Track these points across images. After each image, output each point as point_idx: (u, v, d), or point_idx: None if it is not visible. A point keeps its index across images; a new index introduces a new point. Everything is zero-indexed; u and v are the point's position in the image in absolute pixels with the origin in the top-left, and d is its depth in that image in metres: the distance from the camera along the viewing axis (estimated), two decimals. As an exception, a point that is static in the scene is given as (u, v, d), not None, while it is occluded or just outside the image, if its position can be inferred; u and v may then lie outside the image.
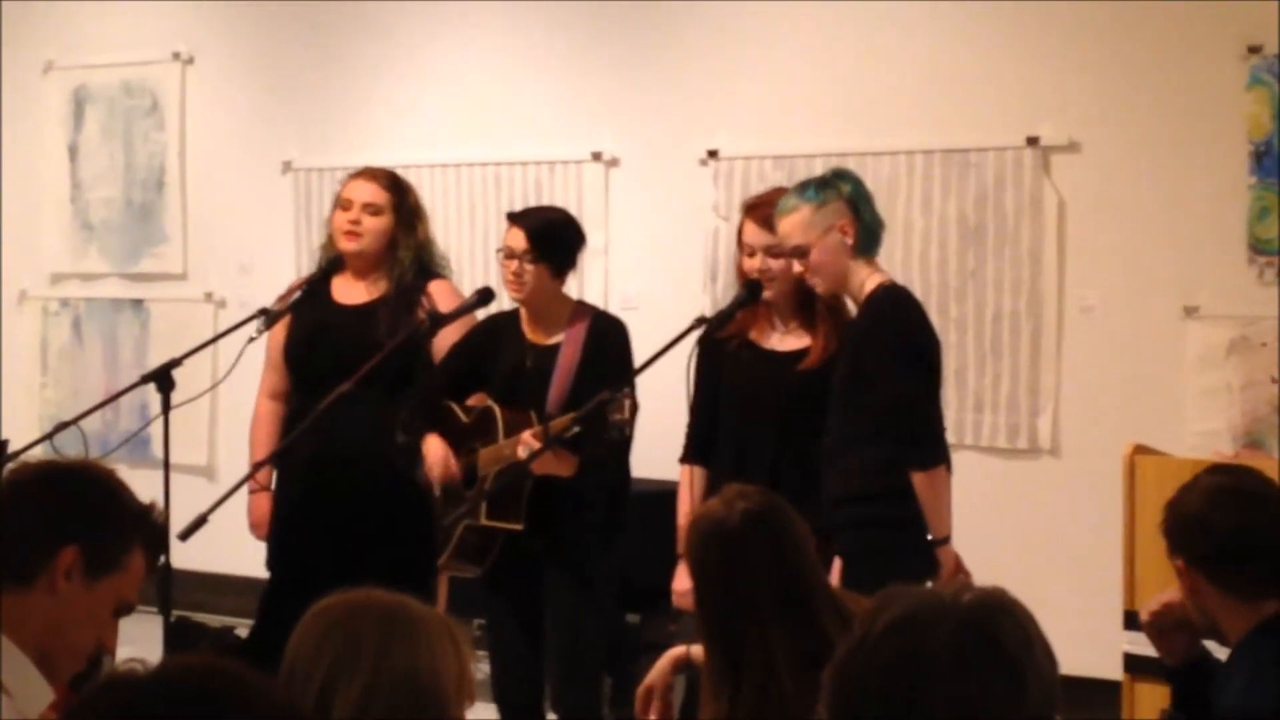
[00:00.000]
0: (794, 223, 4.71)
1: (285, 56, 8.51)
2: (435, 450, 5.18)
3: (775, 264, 4.88)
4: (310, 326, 5.57)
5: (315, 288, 5.60)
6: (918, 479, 4.61)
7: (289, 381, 5.64)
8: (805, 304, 4.95)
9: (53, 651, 2.61)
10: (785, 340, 4.99)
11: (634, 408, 4.59)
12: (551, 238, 5.16)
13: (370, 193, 5.55)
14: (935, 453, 4.67)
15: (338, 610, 2.38)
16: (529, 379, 5.14)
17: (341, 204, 5.59)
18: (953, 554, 4.70)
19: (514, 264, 5.13)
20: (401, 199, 5.59)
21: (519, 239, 5.14)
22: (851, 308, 4.89)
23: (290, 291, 5.66)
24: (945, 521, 4.66)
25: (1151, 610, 3.43)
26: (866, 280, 4.70)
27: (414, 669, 2.31)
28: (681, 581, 5.01)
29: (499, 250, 5.23)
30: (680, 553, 5.06)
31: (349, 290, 5.59)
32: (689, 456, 5.10)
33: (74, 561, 2.60)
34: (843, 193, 4.72)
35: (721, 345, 5.00)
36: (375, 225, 5.53)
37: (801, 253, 4.69)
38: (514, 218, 5.23)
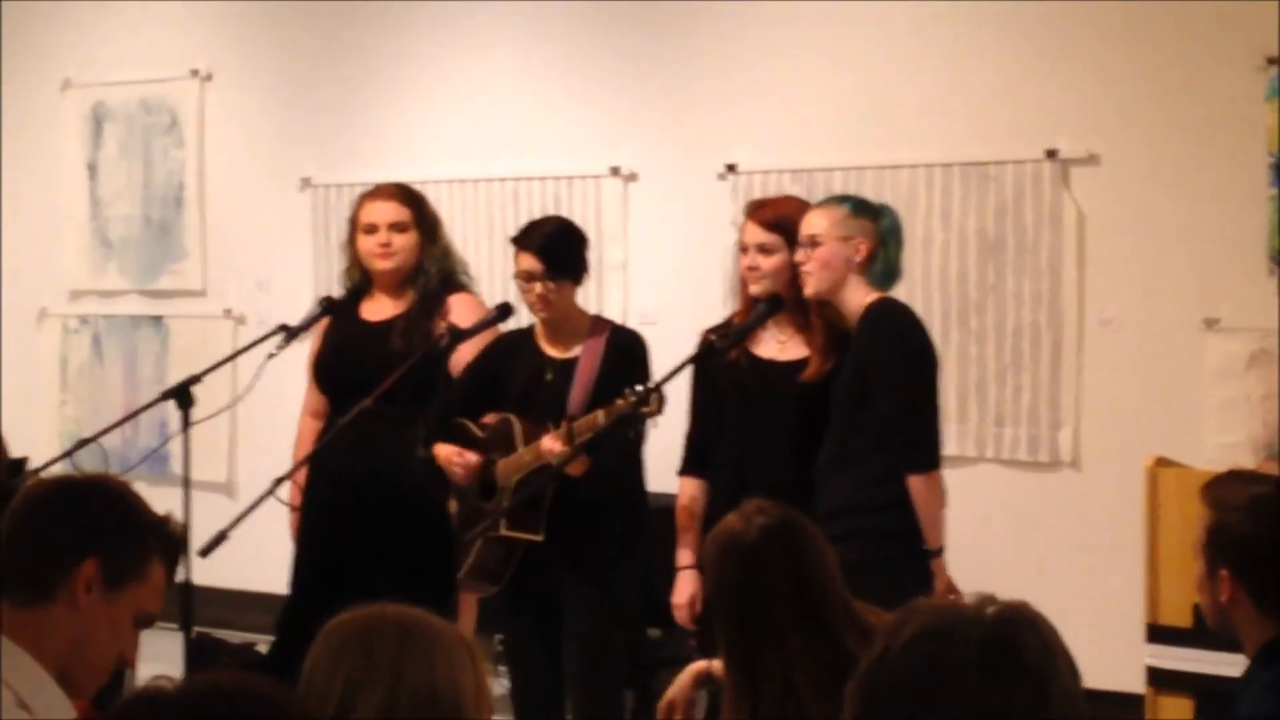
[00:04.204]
0: (823, 215, 4.81)
1: (303, 73, 8.52)
2: (445, 450, 5.17)
3: (765, 262, 4.88)
4: (335, 343, 5.65)
5: (344, 309, 5.64)
6: (915, 482, 4.61)
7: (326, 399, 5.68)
8: (802, 311, 4.92)
9: (74, 667, 2.60)
10: (785, 350, 4.94)
11: (661, 400, 4.60)
12: (562, 252, 5.14)
13: (392, 211, 5.60)
14: (934, 457, 4.69)
15: (354, 625, 2.37)
16: (547, 392, 5.13)
17: (365, 228, 5.61)
18: (945, 569, 4.68)
19: (536, 286, 5.11)
20: (420, 211, 5.64)
21: (532, 261, 5.12)
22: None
23: (319, 317, 5.69)
24: (940, 531, 4.66)
25: None
26: (865, 298, 4.75)
27: (432, 683, 2.31)
28: (680, 594, 5.00)
29: (515, 276, 5.19)
30: (677, 565, 5.05)
31: (377, 308, 5.62)
32: (687, 468, 5.08)
33: (94, 574, 2.60)
34: (879, 222, 4.83)
35: (719, 355, 4.96)
36: (405, 242, 5.59)
37: (815, 243, 4.73)
38: (520, 241, 5.18)
